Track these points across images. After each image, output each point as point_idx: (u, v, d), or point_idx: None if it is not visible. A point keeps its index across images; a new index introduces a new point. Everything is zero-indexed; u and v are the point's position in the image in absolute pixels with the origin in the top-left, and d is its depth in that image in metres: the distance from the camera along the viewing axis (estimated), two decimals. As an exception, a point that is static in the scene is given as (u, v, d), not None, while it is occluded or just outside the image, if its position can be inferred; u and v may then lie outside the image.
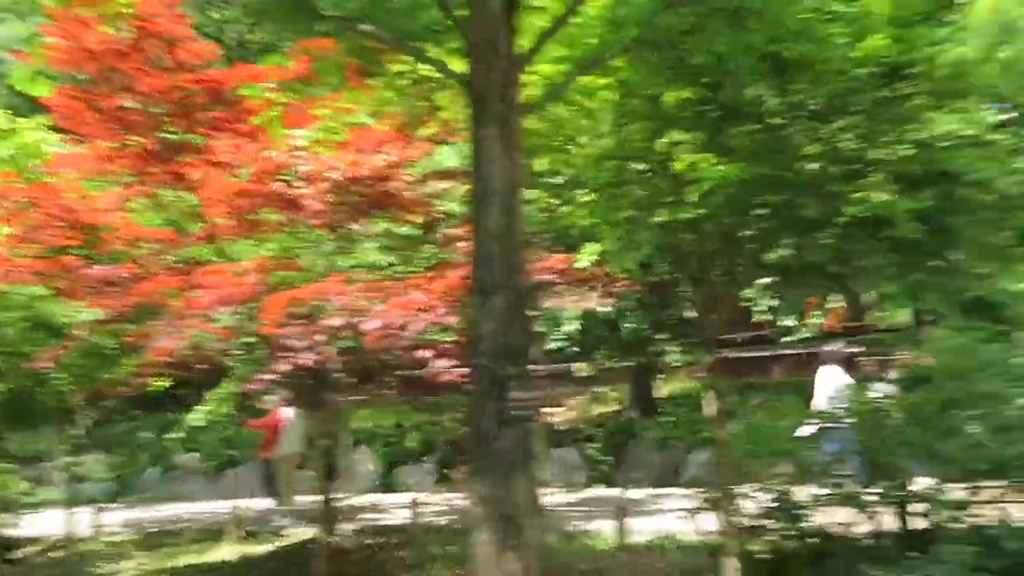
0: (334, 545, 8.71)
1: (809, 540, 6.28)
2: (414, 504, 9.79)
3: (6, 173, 8.38)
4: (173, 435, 15.04)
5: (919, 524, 6.20)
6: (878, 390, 7.50)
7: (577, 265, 6.50)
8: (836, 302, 14.36)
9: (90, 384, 9.56)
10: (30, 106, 9.68)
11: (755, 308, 11.98)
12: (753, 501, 6.31)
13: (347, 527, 9.70)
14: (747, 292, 11.91)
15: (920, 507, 6.18)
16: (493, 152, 4.25)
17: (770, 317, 12.92)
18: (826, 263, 4.61)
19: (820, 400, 8.63)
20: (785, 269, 4.87)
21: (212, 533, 10.58)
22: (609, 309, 10.58)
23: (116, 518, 11.71)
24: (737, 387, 16.25)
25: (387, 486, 13.94)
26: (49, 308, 8.64)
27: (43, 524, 10.93)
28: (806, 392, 9.71)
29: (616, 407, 15.92)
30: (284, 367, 6.74)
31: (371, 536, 9.60)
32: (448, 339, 6.86)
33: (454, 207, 7.68)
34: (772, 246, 4.59)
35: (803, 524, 6.39)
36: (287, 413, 11.55)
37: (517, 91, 4.28)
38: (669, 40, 3.51)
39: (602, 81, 3.70)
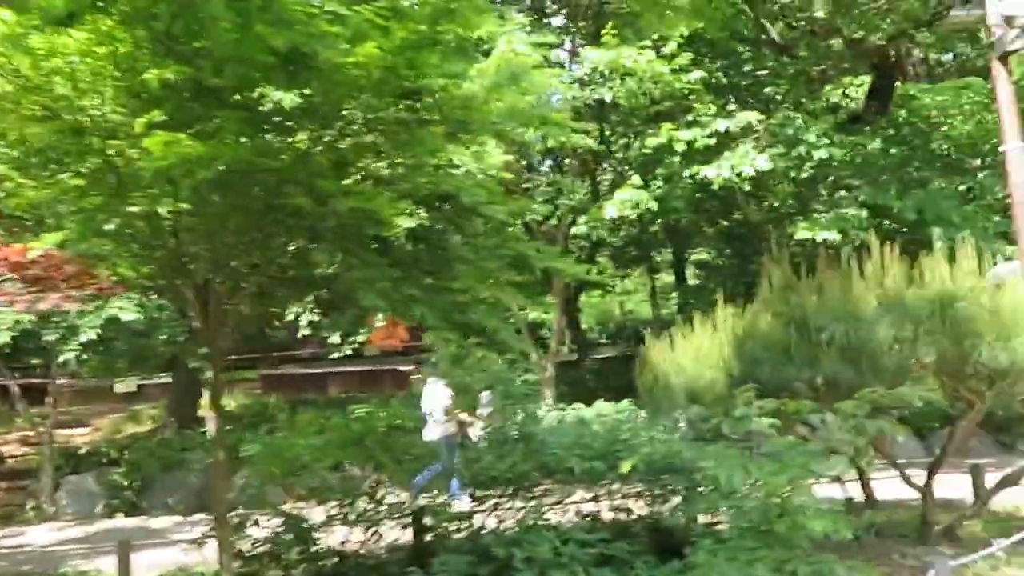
0: None
1: (322, 562, 6.16)
2: None
3: None
4: None
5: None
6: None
7: (32, 256, 5.62)
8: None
9: None
10: None
11: (301, 323, 12.08)
12: (262, 526, 6.03)
13: None
14: (295, 307, 11.93)
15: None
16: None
17: (314, 332, 13.05)
18: (322, 274, 4.60)
19: (436, 414, 8.72)
20: (289, 280, 4.74)
21: None
22: (134, 316, 9.60)
23: None
24: (289, 403, 16.15)
25: None
26: None
27: None
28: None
29: (152, 426, 14.68)
30: None
31: None
32: None
33: None
34: (269, 252, 4.43)
35: (316, 546, 6.32)
36: None
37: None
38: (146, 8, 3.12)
39: (75, 41, 3.15)
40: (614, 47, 10.15)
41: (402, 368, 17.93)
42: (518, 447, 6.51)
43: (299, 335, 13.09)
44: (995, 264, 8.64)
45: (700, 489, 4.67)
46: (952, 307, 6.10)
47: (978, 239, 11.13)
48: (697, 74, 10.41)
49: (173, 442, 12.66)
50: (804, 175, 12.38)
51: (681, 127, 10.32)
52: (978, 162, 13.80)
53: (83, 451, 12.83)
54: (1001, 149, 8.94)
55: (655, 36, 10.26)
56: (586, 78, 10.54)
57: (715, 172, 9.95)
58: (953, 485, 8.42)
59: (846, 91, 15.67)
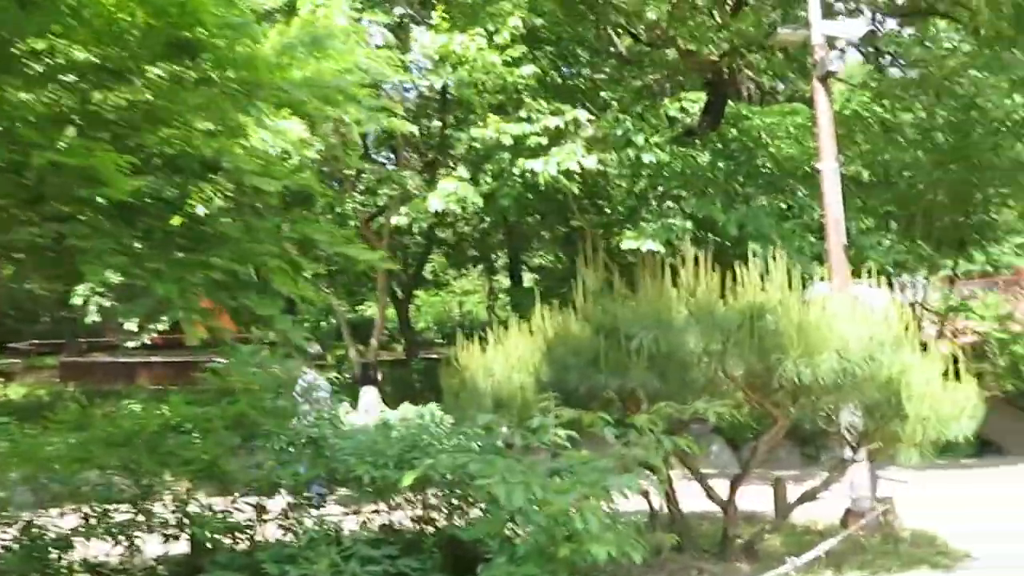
0: None
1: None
2: None
3: None
4: None
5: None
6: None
7: None
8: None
9: None
10: None
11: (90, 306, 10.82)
12: None
13: None
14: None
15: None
16: None
17: (107, 317, 11.80)
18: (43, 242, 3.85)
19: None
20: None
21: None
22: None
23: None
24: (89, 394, 14.61)
25: None
26: None
27: None
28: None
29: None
30: None
31: None
32: None
33: None
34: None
35: (60, 560, 5.48)
36: None
37: None
38: None
39: None
40: (445, 31, 9.71)
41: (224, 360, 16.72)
42: (305, 452, 5.92)
43: (89, 320, 11.74)
44: (808, 282, 8.89)
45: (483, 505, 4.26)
46: (761, 321, 6.02)
47: (794, 256, 11.57)
48: (530, 69, 10.14)
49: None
50: (639, 185, 12.43)
51: (511, 121, 10.02)
52: (798, 184, 14.41)
53: None
54: (817, 167, 9.19)
55: (490, 26, 9.89)
56: (417, 63, 10.05)
57: (540, 166, 9.68)
58: (760, 497, 8.55)
59: (683, 106, 16.03)
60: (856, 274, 8.84)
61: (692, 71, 13.93)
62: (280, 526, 6.11)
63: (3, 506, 5.62)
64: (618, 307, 6.10)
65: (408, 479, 4.25)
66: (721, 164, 12.68)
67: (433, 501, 5.87)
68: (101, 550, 5.89)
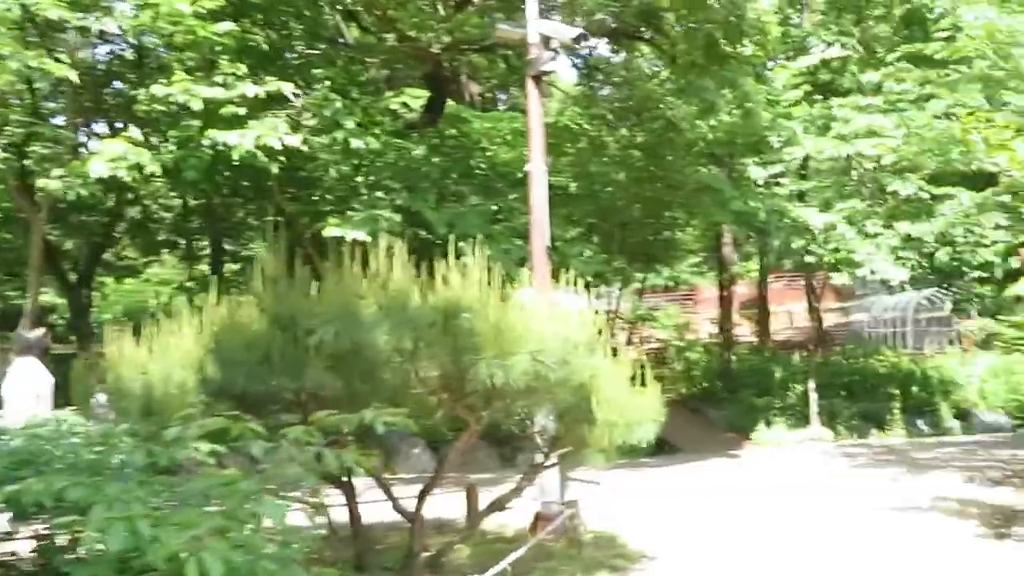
0: None
1: None
2: None
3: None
4: None
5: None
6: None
7: None
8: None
9: None
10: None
11: None
12: None
13: None
14: None
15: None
16: None
17: None
18: None
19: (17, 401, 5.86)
20: None
21: None
22: None
23: None
24: None
25: None
26: None
27: None
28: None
29: None
30: None
31: None
32: None
33: None
34: None
35: None
36: None
37: None
38: None
39: None
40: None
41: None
42: None
43: None
44: (514, 284, 8.75)
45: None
46: (457, 319, 5.59)
47: (500, 258, 11.51)
48: (227, 25, 8.96)
49: None
50: (349, 170, 11.74)
51: (202, 83, 8.80)
52: (510, 189, 14.59)
53: None
54: (526, 168, 9.12)
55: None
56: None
57: (235, 139, 8.60)
58: (457, 504, 8.23)
59: (406, 101, 15.69)
60: (558, 280, 8.85)
61: (412, 60, 13.51)
62: None
63: None
64: (297, 297, 5.34)
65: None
66: (436, 160, 12.36)
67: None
68: None
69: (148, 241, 19.46)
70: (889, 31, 19.44)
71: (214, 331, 5.51)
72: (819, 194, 16.54)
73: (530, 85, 8.81)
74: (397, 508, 6.47)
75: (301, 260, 6.02)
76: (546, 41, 8.48)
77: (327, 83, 10.91)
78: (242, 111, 8.92)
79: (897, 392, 17.16)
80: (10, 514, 4.87)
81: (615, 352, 6.84)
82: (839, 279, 14.89)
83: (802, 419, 16.68)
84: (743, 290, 28.52)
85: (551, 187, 16.43)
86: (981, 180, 16.05)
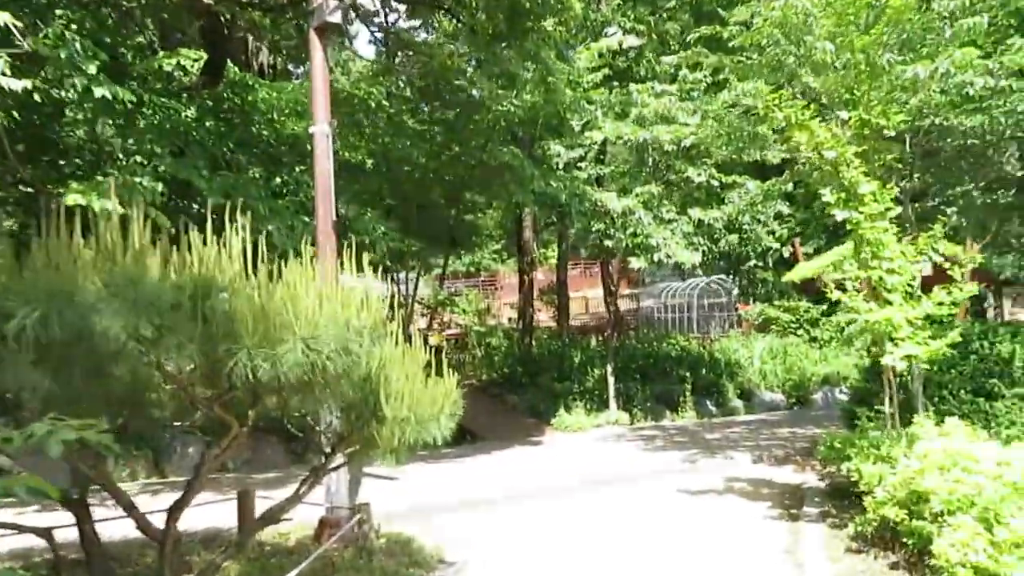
0: None
1: None
2: None
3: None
4: None
5: None
6: None
7: None
8: None
9: None
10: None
11: None
12: None
13: None
14: None
15: None
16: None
17: None
18: None
19: None
20: None
21: None
22: None
23: None
24: None
25: None
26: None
27: None
28: None
29: None
30: None
31: None
32: None
33: None
34: None
35: None
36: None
37: None
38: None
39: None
40: None
41: None
42: None
43: None
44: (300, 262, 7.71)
45: None
46: (210, 300, 4.54)
47: (285, 235, 10.36)
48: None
49: None
50: (98, 130, 10.07)
51: None
52: (299, 164, 13.40)
53: None
54: (310, 131, 8.09)
55: None
56: None
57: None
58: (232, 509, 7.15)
59: (181, 63, 14.05)
60: (349, 259, 7.93)
61: (183, 10, 11.96)
62: None
63: None
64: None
65: None
66: (210, 123, 10.93)
67: None
68: None
69: None
70: (678, 28, 20.01)
71: None
72: (617, 179, 16.62)
73: (313, 38, 7.78)
74: (141, 526, 5.31)
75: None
76: (331, -10, 7.48)
77: (73, 26, 9.22)
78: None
79: (687, 375, 17.69)
80: None
81: (408, 339, 6.06)
82: (636, 263, 14.98)
83: (600, 403, 16.76)
84: (541, 276, 28.74)
85: (346, 164, 15.46)
86: (768, 170, 16.84)
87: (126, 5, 11.14)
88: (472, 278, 45.03)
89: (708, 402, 17.80)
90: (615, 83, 17.46)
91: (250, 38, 17.33)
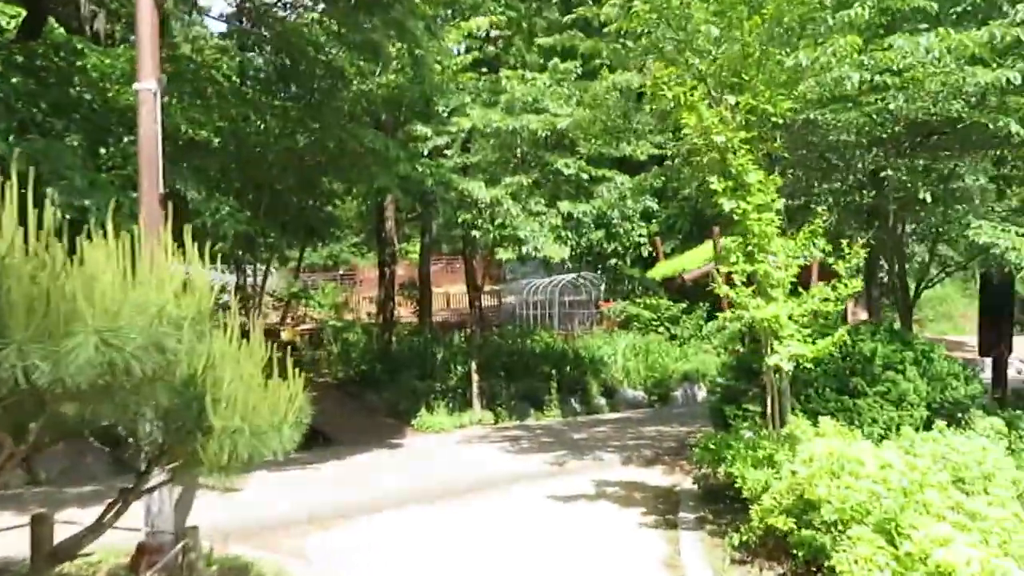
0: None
1: None
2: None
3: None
4: None
5: None
6: None
7: None
8: None
9: None
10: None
11: None
12: None
13: None
14: None
15: None
16: None
17: None
18: None
19: None
20: None
21: None
22: None
23: None
24: None
25: None
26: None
27: None
28: None
29: None
30: None
31: None
32: None
33: None
34: None
35: None
36: None
37: None
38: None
39: None
40: None
41: None
42: None
43: None
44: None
45: None
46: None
47: (105, 211, 9.00)
48: None
49: None
50: None
51: None
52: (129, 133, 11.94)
53: None
54: (135, 86, 6.90)
55: None
56: None
57: None
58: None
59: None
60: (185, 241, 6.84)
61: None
62: None
63: None
64: None
65: None
66: (15, 80, 9.39)
67: None
68: None
69: None
70: (545, 24, 19.68)
71: None
72: (485, 169, 15.96)
73: (142, -21, 6.60)
74: None
75: None
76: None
77: None
78: None
79: (553, 372, 17.25)
80: None
81: (246, 334, 5.09)
82: (504, 256, 14.38)
83: (464, 402, 16.04)
84: (402, 272, 27.78)
85: (190, 141, 13.98)
86: (636, 166, 16.66)
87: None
88: (331, 271, 43.44)
89: (573, 400, 17.45)
90: (484, 69, 16.80)
91: (83, 1, 15.55)
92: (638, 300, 24.05)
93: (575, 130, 12.64)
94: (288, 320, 25.90)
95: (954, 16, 9.31)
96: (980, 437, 9.21)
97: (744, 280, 6.76)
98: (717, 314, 22.93)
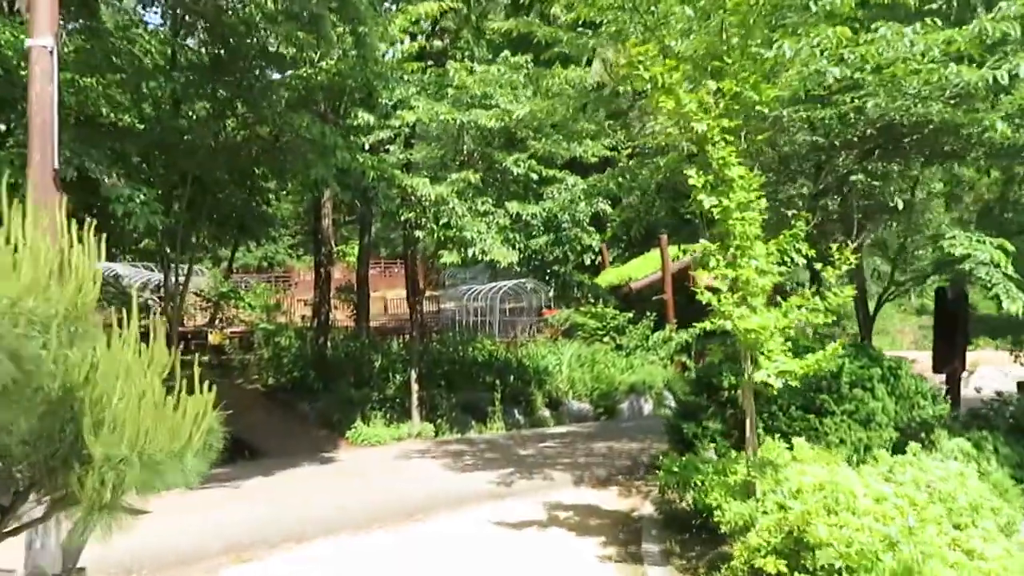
0: None
1: None
2: None
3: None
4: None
5: None
6: None
7: None
8: None
9: None
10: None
11: None
12: None
13: None
14: None
15: None
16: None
17: None
18: None
19: None
20: None
21: None
22: None
23: None
24: None
25: None
26: None
27: None
28: None
29: None
30: None
31: None
32: None
33: None
34: None
35: None
36: None
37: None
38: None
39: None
40: None
41: None
42: None
43: None
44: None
45: None
46: None
47: (5, 189, 7.89)
48: None
49: None
50: None
51: None
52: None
53: None
54: (28, 43, 5.88)
55: None
56: None
57: None
58: None
59: None
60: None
61: None
62: None
63: None
64: None
65: None
66: None
67: None
68: None
69: None
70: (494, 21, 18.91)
71: None
72: (429, 165, 15.10)
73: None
74: None
75: None
76: None
77: None
78: None
79: (496, 382, 16.41)
80: None
81: (146, 337, 4.15)
82: (449, 259, 13.50)
83: (402, 413, 15.09)
84: (339, 276, 26.61)
85: (109, 126, 12.78)
86: (587, 168, 15.97)
87: None
88: (265, 273, 41.92)
89: (516, 411, 16.65)
90: (430, 63, 15.93)
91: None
92: (583, 309, 23.40)
93: (532, 121, 11.83)
94: (217, 322, 24.52)
95: (930, 12, 8.80)
96: (950, 460, 8.77)
97: (728, 286, 6.05)
98: (665, 324, 22.50)
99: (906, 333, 39.00)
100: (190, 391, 4.08)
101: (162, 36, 14.14)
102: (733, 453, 8.07)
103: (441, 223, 13.46)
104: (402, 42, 14.32)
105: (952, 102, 8.60)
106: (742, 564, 5.36)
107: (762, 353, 5.87)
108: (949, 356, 14.56)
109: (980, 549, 5.54)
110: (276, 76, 12.65)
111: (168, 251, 13.50)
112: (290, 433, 14.61)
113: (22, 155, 8.85)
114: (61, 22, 17.47)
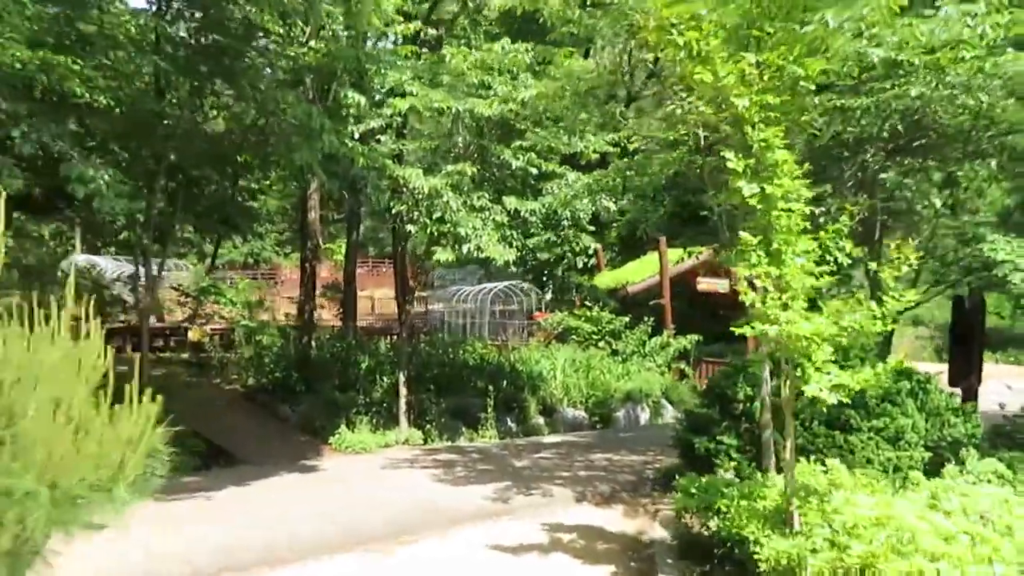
0: None
1: None
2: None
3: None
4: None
5: None
6: None
7: None
8: None
9: None
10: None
11: None
12: None
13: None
14: None
15: None
16: None
17: None
18: None
19: None
20: None
21: None
22: None
23: None
24: None
25: None
26: None
27: None
28: None
29: None
30: None
31: None
32: None
33: None
34: None
35: None
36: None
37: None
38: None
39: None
40: None
41: None
42: None
43: None
44: None
45: None
46: None
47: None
48: None
49: None
50: None
51: None
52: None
53: None
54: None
55: None
56: None
57: None
58: None
59: None
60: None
61: None
62: None
63: None
64: None
65: None
66: None
67: None
68: None
69: None
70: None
71: None
72: (422, 156, 14.28)
73: None
74: None
75: None
76: None
77: None
78: None
79: (488, 387, 15.57)
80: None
81: (77, 336, 3.34)
82: (442, 256, 12.68)
83: (389, 418, 14.24)
84: (326, 274, 25.75)
85: (87, 106, 11.90)
86: (586, 166, 15.23)
87: None
88: (250, 269, 41.01)
89: (509, 419, 15.82)
90: (425, 50, 15.11)
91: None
92: (577, 312, 22.60)
93: (538, 106, 11.04)
94: (198, 318, 23.59)
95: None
96: (983, 483, 8.07)
97: (771, 286, 5.26)
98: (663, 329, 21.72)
99: (902, 345, 38.44)
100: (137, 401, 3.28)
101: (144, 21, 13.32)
102: (759, 475, 7.29)
103: (434, 217, 12.63)
104: (397, 23, 13.47)
105: (1000, 93, 7.85)
106: (790, 613, 4.57)
107: (812, 364, 5.09)
108: (966, 369, 13.84)
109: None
110: (261, 59, 11.82)
111: (144, 241, 12.62)
112: (270, 438, 13.75)
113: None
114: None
